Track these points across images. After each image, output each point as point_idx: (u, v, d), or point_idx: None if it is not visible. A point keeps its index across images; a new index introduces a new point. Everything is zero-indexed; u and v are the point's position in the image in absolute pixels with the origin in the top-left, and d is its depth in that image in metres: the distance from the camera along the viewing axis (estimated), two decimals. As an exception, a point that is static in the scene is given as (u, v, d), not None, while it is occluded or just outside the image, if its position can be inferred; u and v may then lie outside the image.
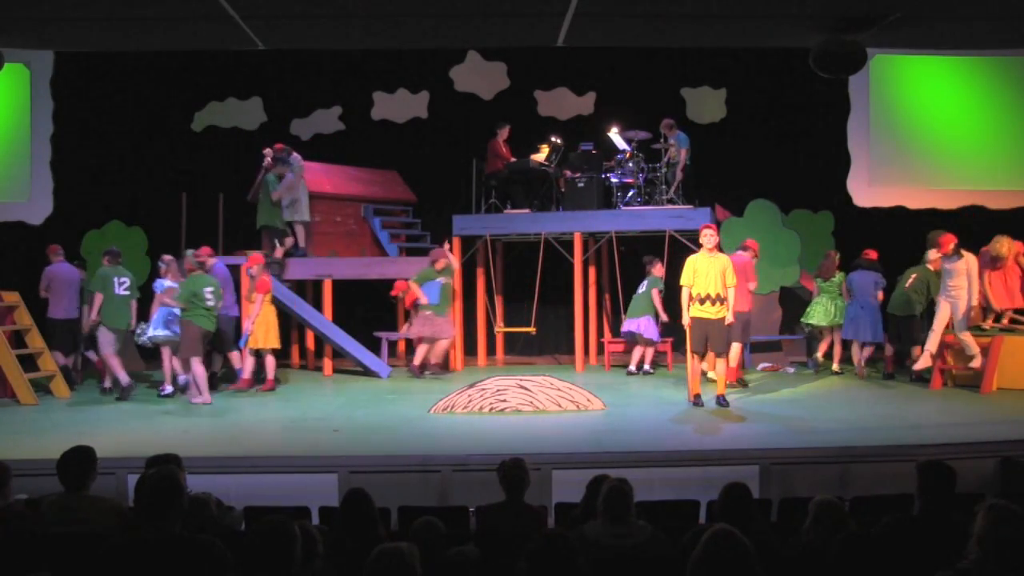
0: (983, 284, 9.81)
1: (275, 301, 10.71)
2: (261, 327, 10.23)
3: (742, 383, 10.22)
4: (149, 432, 7.91)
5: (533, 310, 12.06)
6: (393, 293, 11.82)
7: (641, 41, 8.85)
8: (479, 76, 13.75)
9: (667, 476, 6.46)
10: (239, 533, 4.73)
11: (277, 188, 11.55)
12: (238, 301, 10.83)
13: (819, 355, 11.34)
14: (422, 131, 13.80)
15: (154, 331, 9.94)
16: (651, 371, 11.40)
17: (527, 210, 12.31)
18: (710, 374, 9.50)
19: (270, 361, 10.38)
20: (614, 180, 12.09)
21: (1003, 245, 10.02)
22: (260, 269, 10.43)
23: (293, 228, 11.85)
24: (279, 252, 11.62)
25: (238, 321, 10.61)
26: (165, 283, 10.05)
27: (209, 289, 9.63)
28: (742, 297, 9.78)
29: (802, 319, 11.37)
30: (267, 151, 11.93)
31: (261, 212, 11.75)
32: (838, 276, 11.06)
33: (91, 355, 10.81)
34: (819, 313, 11.10)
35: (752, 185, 12.72)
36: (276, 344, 10.41)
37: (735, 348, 9.75)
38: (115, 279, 10.02)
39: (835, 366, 11.10)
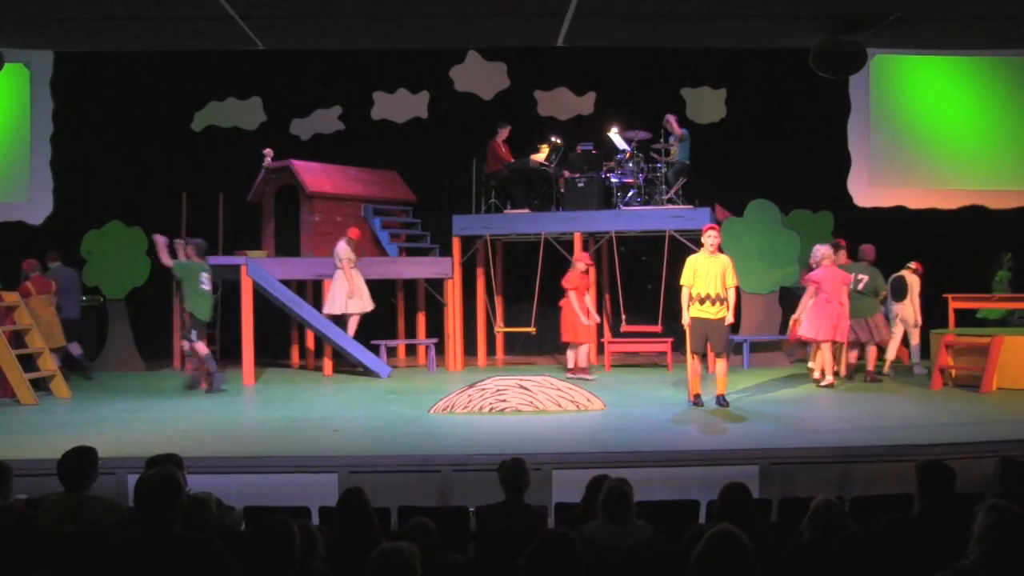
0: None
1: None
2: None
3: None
4: (149, 432, 7.90)
5: (533, 310, 12.06)
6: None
7: (641, 41, 8.86)
8: (479, 76, 13.76)
9: (667, 476, 6.45)
10: (239, 533, 4.73)
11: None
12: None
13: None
14: (422, 131, 13.80)
15: None
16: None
17: (527, 210, 12.30)
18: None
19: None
20: (614, 180, 12.08)
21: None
22: (25, 274, 10.88)
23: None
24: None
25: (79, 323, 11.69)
26: None
27: None
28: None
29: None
30: (267, 150, 11.92)
31: None
32: None
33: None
34: None
35: (752, 185, 12.72)
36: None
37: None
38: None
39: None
